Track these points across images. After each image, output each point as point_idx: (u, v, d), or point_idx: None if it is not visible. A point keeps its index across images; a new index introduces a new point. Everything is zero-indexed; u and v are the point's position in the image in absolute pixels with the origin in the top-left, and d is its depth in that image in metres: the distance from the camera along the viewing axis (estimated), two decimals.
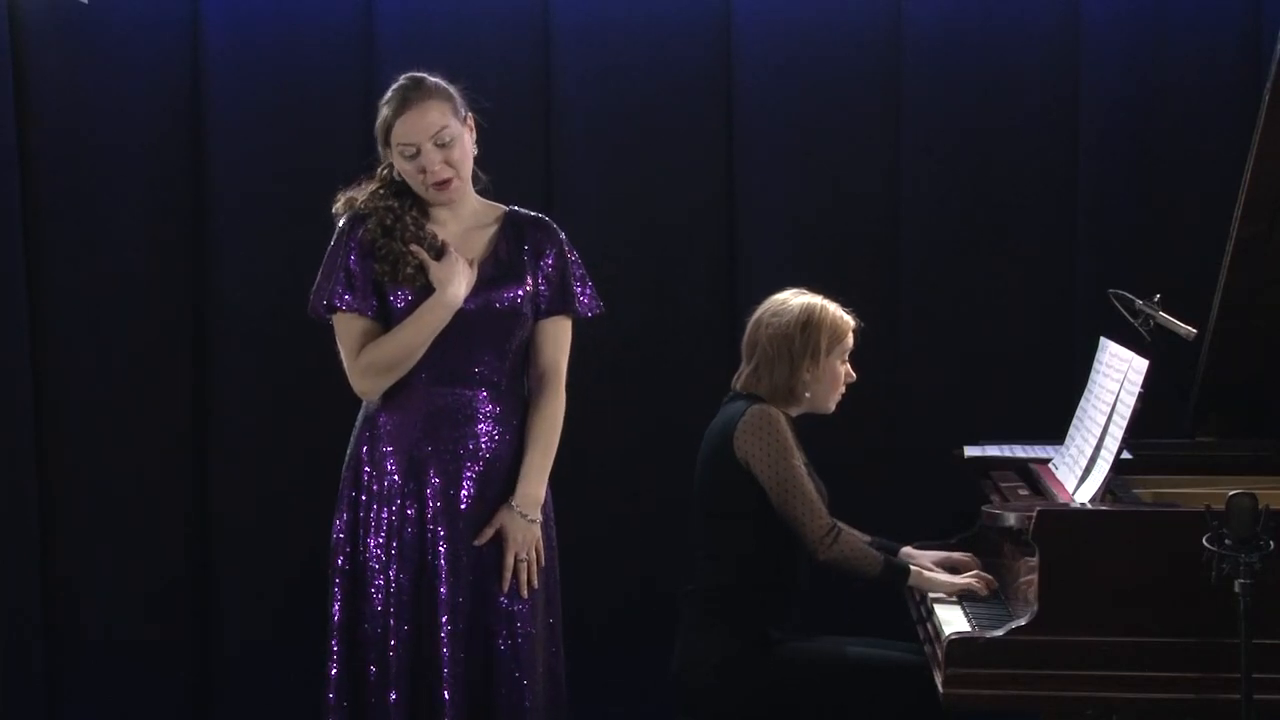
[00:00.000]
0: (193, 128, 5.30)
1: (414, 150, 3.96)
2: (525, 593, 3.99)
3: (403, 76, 4.03)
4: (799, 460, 4.20)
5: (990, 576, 4.23)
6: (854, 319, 4.35)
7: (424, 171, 3.97)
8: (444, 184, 3.98)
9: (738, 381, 4.36)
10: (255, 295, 5.29)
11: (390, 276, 4.00)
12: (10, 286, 5.21)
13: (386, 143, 4.01)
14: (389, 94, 4.01)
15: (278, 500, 5.31)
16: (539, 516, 4.01)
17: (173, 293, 5.33)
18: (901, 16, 5.23)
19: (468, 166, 4.02)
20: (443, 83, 4.02)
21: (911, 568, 4.24)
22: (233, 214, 5.30)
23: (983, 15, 5.23)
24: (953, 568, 4.33)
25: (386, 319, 4.02)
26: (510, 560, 3.98)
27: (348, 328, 4.03)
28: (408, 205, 4.04)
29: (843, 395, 4.35)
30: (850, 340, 4.34)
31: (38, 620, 5.28)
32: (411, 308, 3.98)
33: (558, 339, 4.09)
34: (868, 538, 4.37)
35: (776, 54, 5.25)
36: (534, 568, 4.00)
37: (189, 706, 5.40)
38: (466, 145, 4.01)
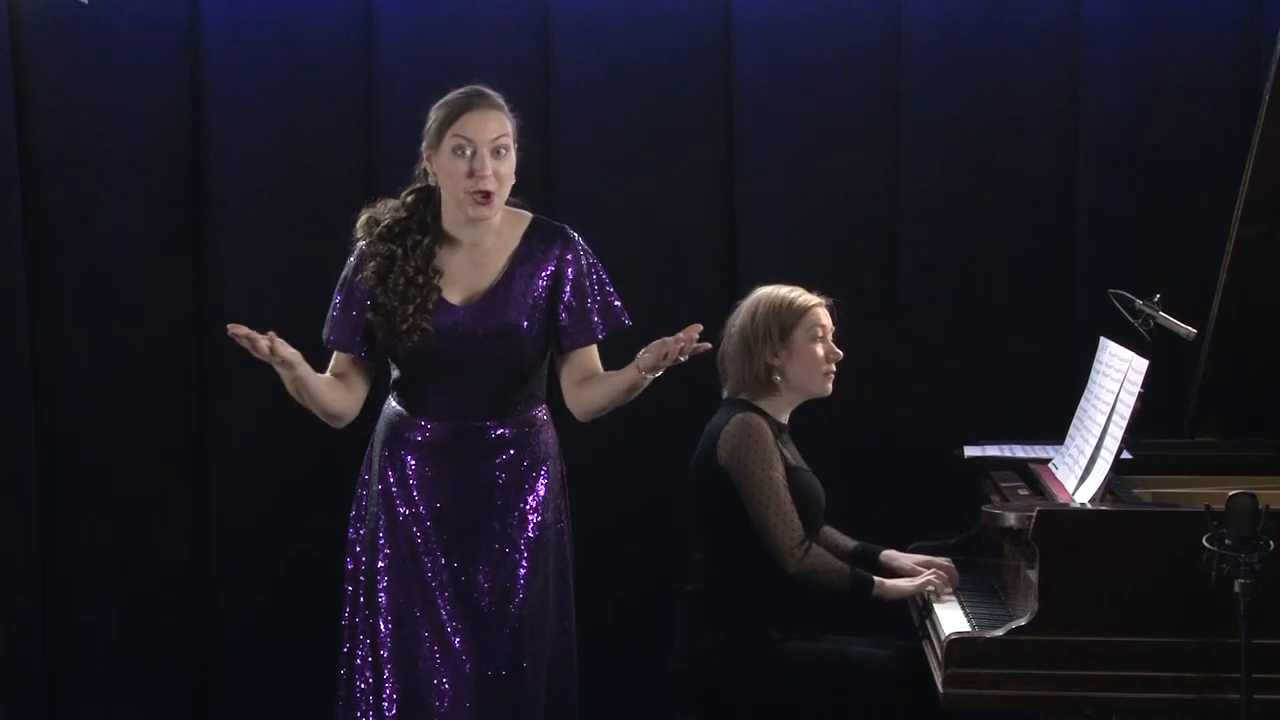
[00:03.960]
0: (193, 128, 5.30)
1: (471, 149, 3.93)
2: (695, 334, 3.88)
3: (467, 86, 4.02)
4: (778, 471, 4.19)
5: (953, 571, 4.22)
6: (820, 297, 4.31)
7: (472, 175, 3.93)
8: (486, 196, 3.95)
9: (726, 393, 4.36)
10: (255, 295, 5.28)
11: (385, 329, 4.01)
12: (10, 286, 5.21)
13: (438, 140, 3.96)
14: (451, 96, 4.00)
15: (277, 501, 5.31)
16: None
17: (173, 293, 5.33)
18: (901, 16, 5.24)
19: (508, 188, 4.00)
20: (505, 105, 4.02)
21: (874, 580, 4.21)
22: (233, 214, 5.30)
23: (983, 15, 5.24)
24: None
25: (389, 351, 4.06)
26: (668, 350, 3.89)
27: (333, 359, 4.12)
28: (412, 245, 4.01)
29: (833, 372, 4.30)
30: (817, 318, 4.28)
31: (38, 620, 5.28)
32: (415, 351, 3.99)
33: (593, 355, 4.12)
34: (854, 542, 4.36)
35: (776, 54, 5.25)
36: (683, 341, 3.89)
37: (189, 706, 5.39)
38: (513, 166, 4.00)
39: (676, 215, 5.31)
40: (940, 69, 5.23)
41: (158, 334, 5.31)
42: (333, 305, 4.10)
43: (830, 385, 4.32)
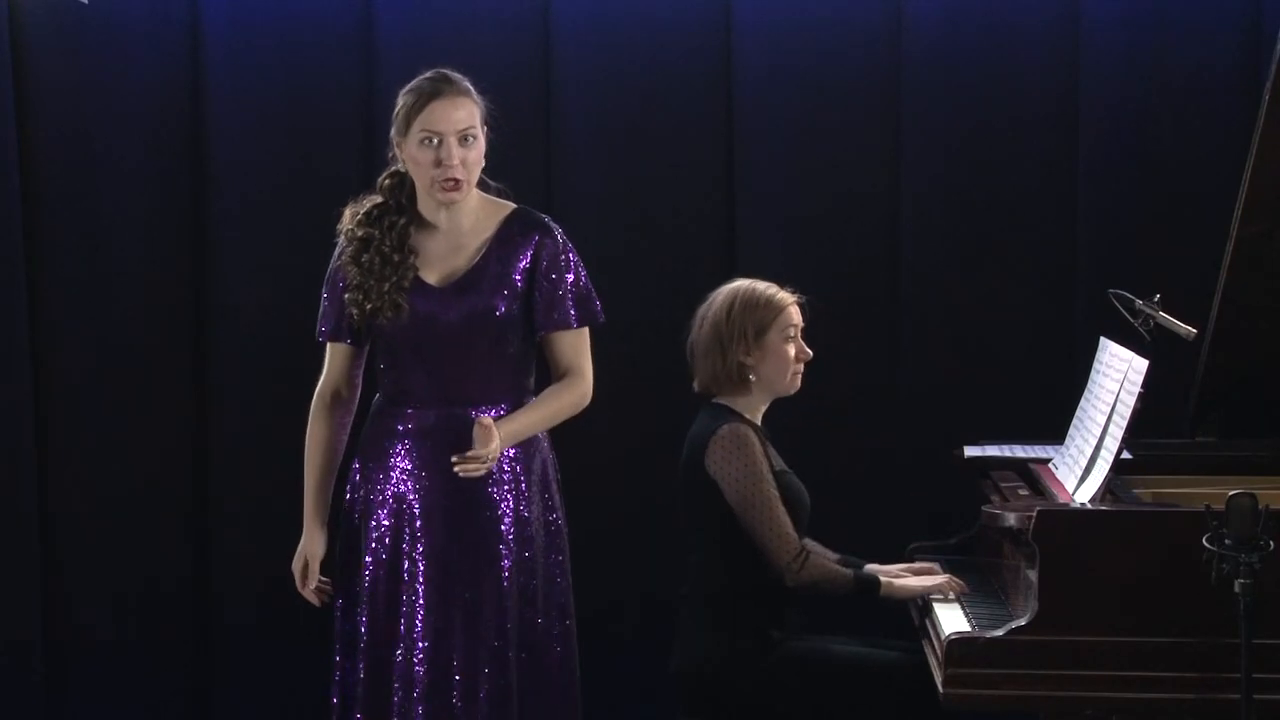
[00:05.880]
0: (193, 128, 5.30)
1: (437, 139, 3.92)
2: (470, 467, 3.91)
3: (432, 71, 4.00)
4: (768, 483, 4.17)
5: (959, 581, 4.20)
6: (793, 295, 4.30)
7: (440, 164, 3.93)
8: (454, 184, 3.95)
9: (696, 387, 4.34)
10: (255, 295, 5.29)
11: (358, 309, 4.00)
12: (10, 286, 5.21)
13: (405, 129, 3.96)
14: (417, 82, 3.98)
15: (277, 500, 5.29)
16: (499, 444, 3.93)
17: (173, 293, 5.33)
18: (901, 16, 5.23)
19: (477, 173, 3.99)
20: (472, 88, 4.00)
21: (881, 578, 4.21)
22: (232, 214, 5.30)
23: (983, 15, 5.23)
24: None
25: (373, 337, 4.06)
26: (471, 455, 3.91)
27: (328, 354, 4.13)
28: (387, 227, 4.01)
29: (801, 372, 4.28)
30: (790, 317, 4.26)
31: (38, 620, 5.29)
32: (392, 331, 3.99)
33: (574, 345, 4.08)
34: (835, 555, 4.35)
35: (776, 54, 5.25)
36: (479, 465, 3.91)
37: (189, 706, 5.40)
38: (482, 151, 3.99)
39: (676, 215, 5.31)
40: (940, 69, 5.23)
41: (158, 334, 5.31)
42: (321, 302, 4.12)
43: (798, 383, 4.30)
